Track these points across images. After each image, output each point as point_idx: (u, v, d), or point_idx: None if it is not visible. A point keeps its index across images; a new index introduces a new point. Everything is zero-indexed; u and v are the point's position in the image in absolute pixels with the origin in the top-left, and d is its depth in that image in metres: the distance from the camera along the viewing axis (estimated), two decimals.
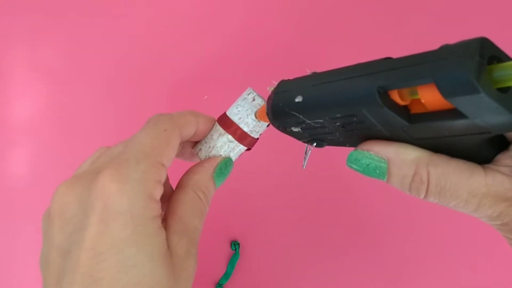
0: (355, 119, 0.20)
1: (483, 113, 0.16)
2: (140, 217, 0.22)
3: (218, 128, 0.28)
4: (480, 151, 0.19)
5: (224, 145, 0.28)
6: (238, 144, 0.28)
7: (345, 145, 0.25)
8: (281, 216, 0.53)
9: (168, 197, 0.27)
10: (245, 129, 0.28)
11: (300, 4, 0.58)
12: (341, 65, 0.21)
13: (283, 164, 0.54)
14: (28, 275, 0.54)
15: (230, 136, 0.28)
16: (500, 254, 0.50)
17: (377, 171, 0.21)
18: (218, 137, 0.28)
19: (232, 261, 0.52)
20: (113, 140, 0.27)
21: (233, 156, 0.29)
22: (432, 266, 0.51)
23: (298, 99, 0.22)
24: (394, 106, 0.18)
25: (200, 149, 0.29)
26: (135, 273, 0.21)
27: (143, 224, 0.22)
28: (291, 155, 0.52)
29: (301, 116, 0.22)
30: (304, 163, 0.27)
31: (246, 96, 0.28)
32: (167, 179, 0.28)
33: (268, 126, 0.29)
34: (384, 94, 0.18)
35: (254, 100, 0.28)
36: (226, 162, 0.28)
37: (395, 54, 0.19)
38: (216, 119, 0.29)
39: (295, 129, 0.24)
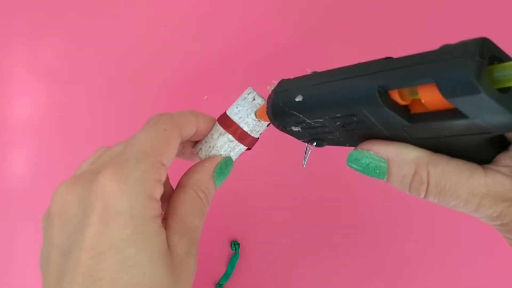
0: (355, 119, 0.20)
1: (483, 113, 0.16)
2: (140, 217, 0.22)
3: (218, 128, 0.28)
4: (480, 151, 0.19)
5: (224, 145, 0.28)
6: (238, 143, 0.28)
7: (345, 145, 0.25)
8: (281, 216, 0.53)
9: (168, 197, 0.27)
10: (245, 128, 0.28)
11: (300, 4, 0.58)
12: (341, 65, 0.21)
13: (283, 164, 0.54)
14: (28, 275, 0.54)
15: (230, 136, 0.28)
16: (500, 254, 0.50)
17: (377, 171, 0.21)
18: (218, 136, 0.28)
19: (232, 261, 0.52)
20: (113, 140, 0.27)
21: (233, 155, 0.29)
22: (432, 266, 0.51)
23: (298, 98, 0.22)
24: (394, 105, 0.18)
25: (200, 149, 0.29)
26: (135, 273, 0.21)
27: (143, 224, 0.22)
28: (291, 155, 0.52)
29: (301, 115, 0.22)
30: (304, 162, 0.27)
31: (246, 95, 0.28)
32: (167, 178, 0.28)
33: (268, 125, 0.29)
34: (384, 93, 0.18)
35: (254, 99, 0.28)
36: (226, 162, 0.28)
37: (395, 54, 0.19)
38: (217, 118, 0.29)
39: (295, 129, 0.24)
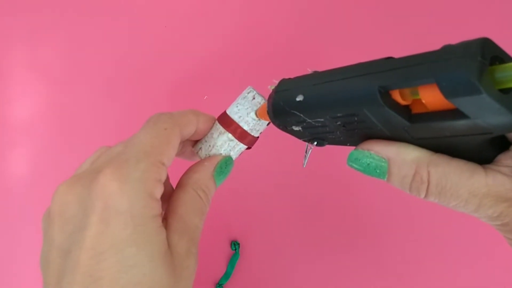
0: (356, 119, 0.20)
1: (484, 114, 0.16)
2: (140, 216, 0.22)
3: (218, 127, 0.28)
4: (481, 151, 0.19)
5: (224, 144, 0.28)
6: (238, 142, 0.28)
7: (345, 144, 0.25)
8: (281, 216, 0.53)
9: (169, 196, 0.27)
10: (245, 127, 0.28)
11: (300, 4, 0.58)
12: (341, 65, 0.21)
13: (283, 163, 0.54)
14: (28, 275, 0.54)
15: (230, 135, 0.28)
16: (500, 254, 0.50)
17: (378, 171, 0.21)
18: (218, 136, 0.28)
19: (232, 261, 0.52)
20: (113, 140, 0.27)
21: (234, 155, 0.29)
22: (432, 266, 0.51)
23: (299, 98, 0.22)
24: (395, 105, 0.18)
25: (201, 148, 0.29)
26: (135, 272, 0.21)
27: (144, 224, 0.22)
28: (291, 154, 0.52)
29: (302, 115, 0.22)
30: (305, 161, 0.27)
31: (246, 94, 0.28)
32: (167, 178, 0.28)
33: (268, 124, 0.29)
34: (385, 93, 0.18)
35: (254, 98, 0.28)
36: (227, 161, 0.28)
37: (395, 55, 0.19)
38: (216, 118, 0.29)
39: (295, 128, 0.24)
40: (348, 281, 0.51)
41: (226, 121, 0.28)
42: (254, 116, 0.28)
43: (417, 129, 0.19)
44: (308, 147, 0.26)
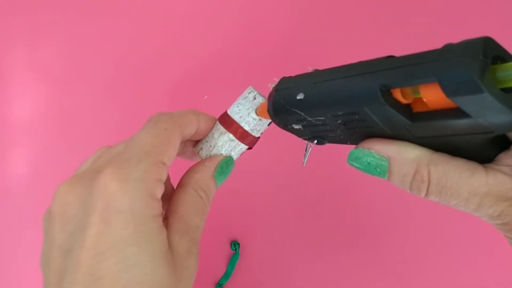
0: (356, 117, 0.20)
1: (486, 113, 0.16)
2: (141, 216, 0.22)
3: (219, 127, 0.28)
4: (482, 150, 0.19)
5: (225, 144, 0.28)
6: (239, 143, 0.28)
7: (346, 143, 0.25)
8: (281, 216, 0.53)
9: (169, 196, 0.27)
10: (246, 128, 0.28)
11: (300, 4, 0.58)
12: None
13: (283, 163, 0.54)
14: (29, 275, 0.54)
15: (231, 135, 0.28)
16: (501, 254, 0.50)
17: (378, 170, 0.21)
18: (219, 136, 0.28)
19: (232, 261, 0.52)
20: (113, 140, 0.27)
21: (234, 155, 0.29)
22: (432, 266, 0.51)
23: (300, 96, 0.22)
24: (396, 104, 0.18)
25: (201, 148, 0.29)
26: (136, 272, 0.21)
27: (144, 223, 0.22)
28: (292, 154, 0.52)
29: (302, 113, 0.22)
30: (304, 160, 0.27)
31: (247, 95, 0.28)
32: (168, 178, 0.28)
33: (269, 125, 0.29)
34: (386, 92, 0.18)
35: (255, 99, 0.28)
36: (227, 161, 0.28)
37: (395, 54, 0.19)
38: (217, 118, 0.29)
39: (296, 126, 0.24)
40: (348, 281, 0.51)
41: (227, 121, 0.28)
42: (255, 116, 0.28)
43: (418, 128, 0.19)
44: (308, 146, 0.26)
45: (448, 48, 0.16)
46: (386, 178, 0.21)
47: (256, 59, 0.57)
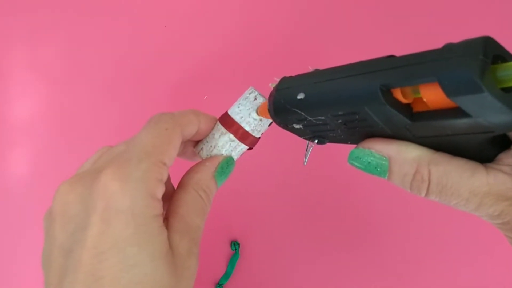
0: (357, 117, 0.20)
1: (486, 113, 0.16)
2: (141, 216, 0.22)
3: (220, 127, 0.28)
4: (482, 150, 0.19)
5: (226, 144, 0.28)
6: (240, 143, 0.28)
7: (346, 143, 0.25)
8: (281, 216, 0.53)
9: (170, 196, 0.27)
10: (247, 128, 0.28)
11: (300, 4, 0.58)
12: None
13: (283, 164, 0.54)
14: (29, 275, 0.54)
15: (231, 135, 0.28)
16: (501, 253, 0.50)
17: (378, 169, 0.21)
18: (219, 136, 0.28)
19: (232, 261, 0.52)
20: (113, 140, 0.27)
21: (235, 155, 0.29)
22: (432, 266, 0.51)
23: (300, 96, 0.22)
24: (396, 104, 0.18)
25: (202, 148, 0.29)
26: (136, 272, 0.21)
27: (145, 223, 0.22)
28: (292, 155, 0.52)
29: (302, 113, 0.22)
30: (305, 159, 0.27)
31: (248, 95, 0.28)
32: (169, 178, 0.28)
33: (269, 125, 0.29)
34: (386, 92, 0.18)
35: (255, 99, 0.28)
36: (228, 161, 0.28)
37: (395, 54, 0.19)
38: (218, 118, 0.29)
39: (296, 126, 0.24)
40: (348, 281, 0.52)
41: (227, 122, 0.28)
42: (256, 117, 0.28)
43: (419, 128, 0.19)
44: (309, 145, 0.26)
45: (448, 48, 0.16)
46: (386, 177, 0.21)
47: (256, 59, 0.57)
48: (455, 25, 0.55)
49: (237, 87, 0.32)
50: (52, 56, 0.60)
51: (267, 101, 0.26)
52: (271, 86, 0.25)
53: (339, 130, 0.23)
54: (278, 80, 0.25)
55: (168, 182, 0.28)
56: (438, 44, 0.17)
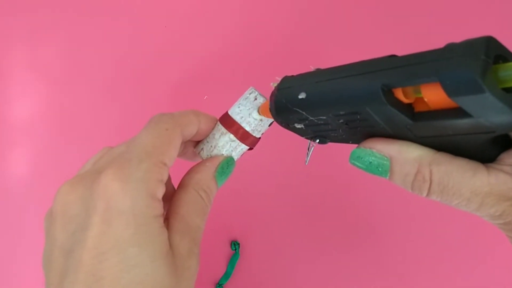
0: (358, 117, 0.20)
1: (487, 113, 0.16)
2: (142, 216, 0.22)
3: (220, 128, 0.28)
4: (484, 150, 0.19)
5: (226, 145, 0.28)
6: (240, 143, 0.28)
7: (348, 142, 0.25)
8: (281, 216, 0.53)
9: (170, 197, 0.27)
10: (247, 128, 0.28)
11: (300, 4, 0.58)
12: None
13: (283, 164, 0.54)
14: (29, 275, 0.54)
15: (232, 136, 0.28)
16: (502, 253, 0.50)
17: (380, 169, 0.21)
18: (220, 136, 0.28)
19: (232, 261, 0.52)
20: (113, 140, 0.27)
21: (235, 155, 0.29)
22: (432, 266, 0.51)
23: (302, 95, 0.22)
24: (398, 104, 0.18)
25: (202, 149, 0.29)
26: (137, 272, 0.21)
27: (146, 224, 0.22)
28: (292, 155, 0.52)
29: (304, 112, 0.22)
30: (307, 159, 0.27)
31: (248, 95, 0.28)
32: (169, 178, 0.28)
33: (270, 125, 0.29)
34: (388, 92, 0.18)
35: (256, 99, 0.28)
36: (228, 162, 0.28)
37: (395, 54, 0.19)
38: (218, 118, 0.29)
39: (298, 126, 0.24)
40: (348, 281, 0.51)
41: (228, 122, 0.28)
42: (256, 117, 0.28)
43: (420, 128, 0.19)
44: (311, 145, 0.26)
45: (450, 48, 0.16)
46: (387, 177, 0.21)
47: (256, 59, 0.57)
48: (455, 25, 0.55)
49: (237, 87, 0.32)
50: (52, 56, 0.60)
51: (268, 100, 0.26)
52: (273, 85, 0.25)
53: (340, 130, 0.23)
54: (279, 79, 0.25)
55: (168, 183, 0.28)
56: (438, 44, 0.17)
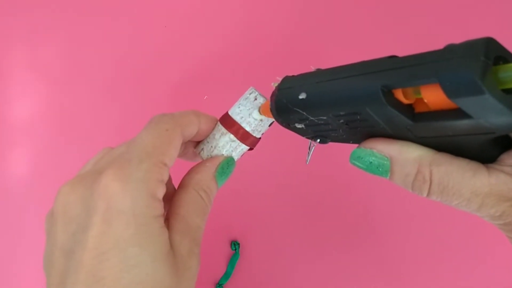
0: (358, 117, 0.20)
1: (487, 114, 0.16)
2: (142, 216, 0.22)
3: (220, 128, 0.28)
4: (484, 150, 0.19)
5: (226, 145, 0.28)
6: (240, 143, 0.28)
7: (348, 142, 0.25)
8: (281, 216, 0.53)
9: (171, 197, 0.27)
10: (247, 128, 0.28)
11: (300, 4, 0.58)
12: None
13: (284, 164, 0.54)
14: (29, 275, 0.54)
15: (232, 136, 0.28)
16: (502, 254, 0.50)
17: (380, 169, 0.21)
18: (220, 136, 0.28)
19: (232, 261, 0.52)
20: (113, 140, 0.27)
21: (235, 155, 0.29)
22: (432, 266, 0.51)
23: (302, 96, 0.22)
24: (398, 105, 0.18)
25: (202, 149, 0.29)
26: (137, 272, 0.21)
27: (146, 224, 0.22)
28: (292, 155, 0.52)
29: (304, 113, 0.22)
30: (308, 158, 0.27)
31: (248, 95, 0.28)
32: (170, 178, 0.28)
33: (270, 125, 0.29)
34: (388, 92, 0.18)
35: (256, 99, 0.28)
36: (228, 162, 0.28)
37: (395, 54, 0.19)
38: (218, 118, 0.29)
39: (298, 126, 0.24)
40: (348, 281, 0.52)
41: (228, 122, 0.28)
42: (256, 117, 0.28)
43: (420, 128, 0.19)
44: (311, 145, 0.26)
45: (450, 49, 0.16)
46: (388, 177, 0.21)
47: (256, 59, 0.57)
48: (455, 25, 0.55)
49: (237, 87, 0.32)
50: (52, 56, 0.60)
51: (269, 100, 0.26)
52: (273, 85, 0.25)
53: (340, 130, 0.23)
54: (280, 79, 0.25)
55: (169, 183, 0.28)
56: (438, 44, 0.17)
